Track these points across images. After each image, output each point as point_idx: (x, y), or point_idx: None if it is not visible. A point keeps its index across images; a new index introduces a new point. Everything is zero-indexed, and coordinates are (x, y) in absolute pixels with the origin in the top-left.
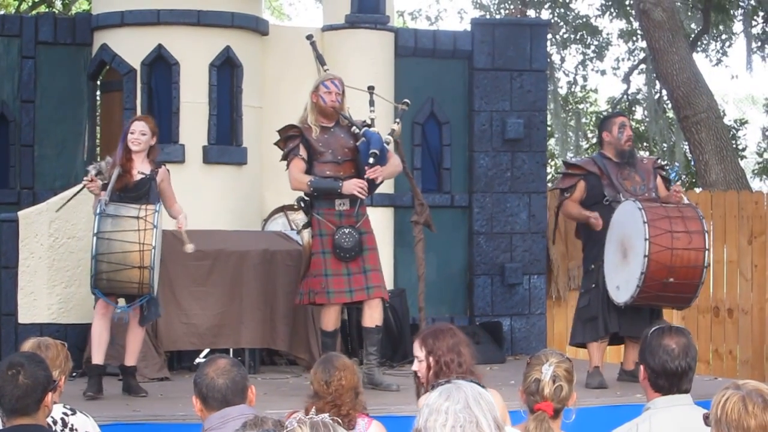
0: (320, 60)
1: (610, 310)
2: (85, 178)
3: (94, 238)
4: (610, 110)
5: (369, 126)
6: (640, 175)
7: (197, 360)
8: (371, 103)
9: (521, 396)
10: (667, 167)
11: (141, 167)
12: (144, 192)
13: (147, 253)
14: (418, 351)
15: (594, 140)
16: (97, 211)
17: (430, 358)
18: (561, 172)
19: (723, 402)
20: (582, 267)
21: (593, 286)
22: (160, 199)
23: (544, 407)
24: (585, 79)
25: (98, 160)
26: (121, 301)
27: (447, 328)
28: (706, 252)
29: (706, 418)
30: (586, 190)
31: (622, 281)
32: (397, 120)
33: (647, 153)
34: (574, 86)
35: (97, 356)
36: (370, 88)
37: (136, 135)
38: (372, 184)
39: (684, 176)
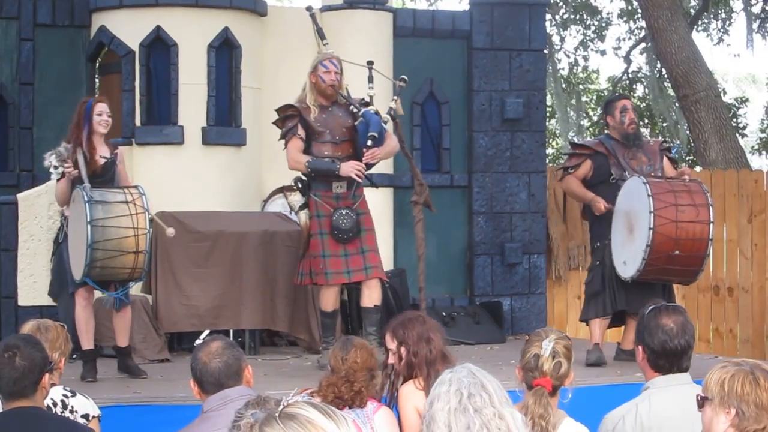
0: (320, 33)
1: (618, 287)
2: (65, 166)
3: (88, 226)
4: (610, 89)
5: (368, 104)
6: (647, 156)
7: (197, 341)
8: (370, 79)
9: (519, 373)
10: (668, 144)
11: (101, 151)
12: (110, 176)
13: (142, 237)
14: (390, 343)
15: (595, 119)
16: (85, 198)
17: (402, 349)
18: (567, 152)
19: (728, 378)
20: (589, 246)
21: (597, 263)
22: (119, 181)
23: (543, 383)
24: (586, 59)
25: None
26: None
27: (416, 315)
28: (711, 225)
29: (702, 399)
30: (592, 169)
31: (629, 256)
32: (395, 97)
33: (648, 130)
34: (575, 67)
35: (87, 342)
36: (369, 63)
37: (104, 117)
38: (368, 165)
39: (684, 154)
